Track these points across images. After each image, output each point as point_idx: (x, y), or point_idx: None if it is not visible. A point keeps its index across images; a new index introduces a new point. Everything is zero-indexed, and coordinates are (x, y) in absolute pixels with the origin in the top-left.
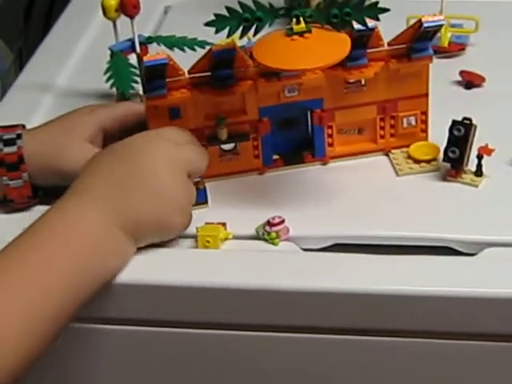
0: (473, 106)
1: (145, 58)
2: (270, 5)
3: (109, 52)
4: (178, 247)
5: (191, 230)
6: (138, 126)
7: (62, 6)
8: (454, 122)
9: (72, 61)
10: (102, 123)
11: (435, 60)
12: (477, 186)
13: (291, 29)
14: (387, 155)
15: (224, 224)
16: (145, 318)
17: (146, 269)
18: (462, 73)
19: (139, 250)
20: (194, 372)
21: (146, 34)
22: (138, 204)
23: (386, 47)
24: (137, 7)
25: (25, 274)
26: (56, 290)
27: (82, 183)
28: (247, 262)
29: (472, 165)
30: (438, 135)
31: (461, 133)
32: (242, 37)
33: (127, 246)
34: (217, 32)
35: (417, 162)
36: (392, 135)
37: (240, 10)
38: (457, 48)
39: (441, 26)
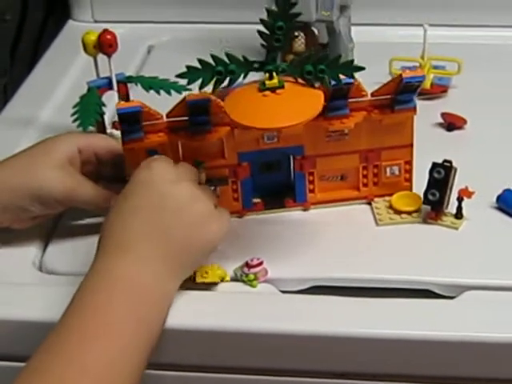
0: (454, 148)
1: (118, 106)
2: (244, 58)
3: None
4: None
5: None
6: (111, 158)
7: (48, 43)
8: (434, 165)
9: (55, 97)
10: (80, 145)
11: (417, 101)
12: (457, 229)
13: (264, 83)
14: (370, 204)
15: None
16: None
17: None
18: (443, 115)
19: None
20: None
21: (128, 73)
22: (174, 236)
23: (368, 97)
24: (113, 46)
25: (90, 347)
26: (122, 361)
27: (116, 240)
28: (224, 303)
29: (452, 207)
30: (419, 177)
31: (441, 175)
32: (214, 89)
33: (177, 284)
34: (189, 83)
35: (398, 212)
36: (375, 184)
37: (213, 63)
38: (439, 90)
39: (421, 81)
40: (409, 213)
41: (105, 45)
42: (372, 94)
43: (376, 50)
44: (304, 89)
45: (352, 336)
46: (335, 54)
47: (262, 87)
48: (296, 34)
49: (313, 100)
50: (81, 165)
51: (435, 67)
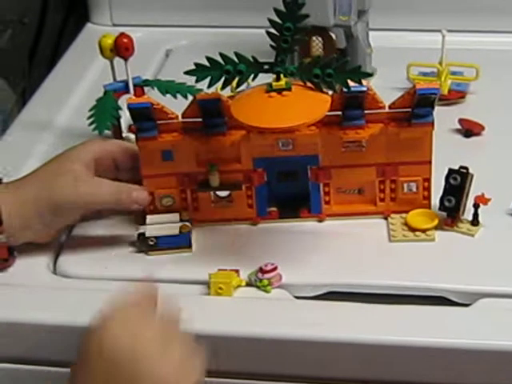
0: (471, 155)
1: (129, 100)
2: (254, 58)
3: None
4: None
5: (205, 276)
6: (129, 162)
7: (66, 46)
8: (451, 171)
9: (73, 100)
10: (96, 153)
11: (435, 107)
12: (473, 236)
13: (271, 85)
14: (386, 219)
15: (237, 271)
16: None
17: None
18: (461, 121)
19: None
20: None
21: (145, 77)
22: None
23: (385, 110)
24: (129, 49)
25: None
26: None
27: None
28: (238, 309)
29: (468, 214)
30: (435, 183)
31: (457, 181)
32: (223, 88)
33: None
34: (197, 81)
35: (413, 229)
36: (392, 199)
37: (222, 62)
38: (457, 96)
39: (435, 93)
40: (423, 231)
41: (121, 48)
42: (389, 107)
43: (394, 55)
44: (311, 92)
45: (366, 343)
46: (353, 58)
47: (269, 88)
48: (314, 38)
49: (319, 104)
50: (100, 173)
51: (453, 73)
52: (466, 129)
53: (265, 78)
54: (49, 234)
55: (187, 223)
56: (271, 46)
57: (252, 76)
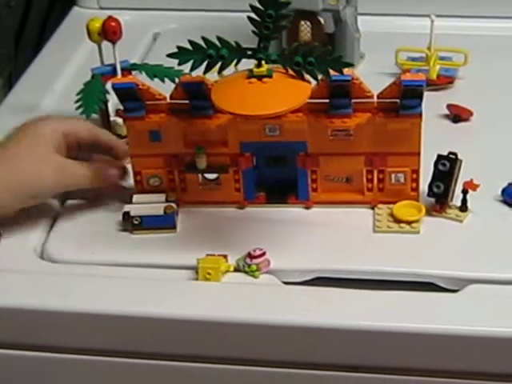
0: (460, 140)
1: (114, 80)
2: (237, 44)
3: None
4: (175, 279)
5: (192, 261)
6: (92, 144)
7: (53, 29)
8: (440, 157)
9: (59, 84)
10: (65, 130)
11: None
12: (461, 222)
13: (252, 71)
14: (373, 209)
15: (225, 256)
16: (132, 349)
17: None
18: (449, 106)
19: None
20: None
21: (133, 60)
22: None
23: (373, 99)
24: (117, 33)
25: None
26: None
27: None
28: (226, 294)
29: (457, 200)
30: (424, 169)
31: (446, 167)
32: (205, 72)
33: None
34: (179, 64)
35: (398, 221)
36: (380, 189)
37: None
38: (445, 81)
39: (421, 86)
40: (409, 222)
41: (109, 32)
42: (378, 96)
43: (382, 40)
44: (292, 80)
45: (353, 328)
46: (341, 43)
47: (250, 74)
48: (302, 22)
49: (298, 91)
50: (64, 151)
51: (442, 58)
52: (454, 114)
53: (249, 64)
54: (16, 211)
55: (172, 204)
56: (253, 32)
57: (235, 61)
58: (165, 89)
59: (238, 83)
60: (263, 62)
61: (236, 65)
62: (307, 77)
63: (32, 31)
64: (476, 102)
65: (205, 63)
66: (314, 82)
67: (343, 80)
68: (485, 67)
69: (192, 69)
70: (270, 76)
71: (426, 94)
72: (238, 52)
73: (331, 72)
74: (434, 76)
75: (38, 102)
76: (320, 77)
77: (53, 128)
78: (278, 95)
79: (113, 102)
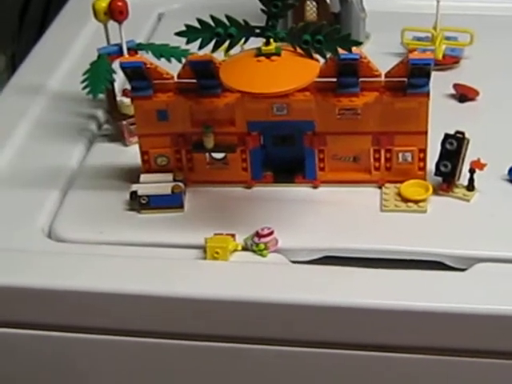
0: (466, 120)
1: (122, 59)
2: (246, 22)
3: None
4: (183, 258)
5: (200, 240)
6: None
7: (57, 10)
8: (447, 136)
9: (65, 64)
10: None
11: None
12: (468, 201)
13: (260, 49)
14: (380, 188)
15: (233, 235)
16: (140, 328)
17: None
18: (455, 86)
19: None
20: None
21: (139, 40)
22: None
23: (381, 78)
24: (124, 13)
25: None
26: None
27: None
28: (234, 273)
29: (464, 179)
30: (431, 149)
31: (453, 146)
32: (213, 51)
33: None
34: (188, 43)
35: (405, 200)
36: (387, 169)
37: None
38: (451, 61)
39: (428, 64)
40: (416, 201)
41: (115, 12)
42: (385, 75)
43: (388, 19)
44: (300, 58)
45: (361, 307)
46: (347, 23)
47: (258, 53)
48: (308, 2)
49: (307, 69)
50: None
51: (447, 38)
52: (460, 94)
53: (257, 43)
54: None
55: (180, 183)
56: (262, 10)
57: (243, 40)
58: (171, 69)
59: (246, 62)
60: (271, 40)
61: (244, 44)
62: (315, 56)
63: (36, 11)
64: (482, 82)
65: (213, 41)
66: (322, 61)
67: (351, 58)
68: (490, 47)
69: (200, 47)
70: (278, 54)
71: (432, 73)
72: (247, 30)
73: (339, 50)
74: (439, 56)
75: (44, 82)
76: (328, 55)
77: None
78: (287, 73)
79: (119, 81)
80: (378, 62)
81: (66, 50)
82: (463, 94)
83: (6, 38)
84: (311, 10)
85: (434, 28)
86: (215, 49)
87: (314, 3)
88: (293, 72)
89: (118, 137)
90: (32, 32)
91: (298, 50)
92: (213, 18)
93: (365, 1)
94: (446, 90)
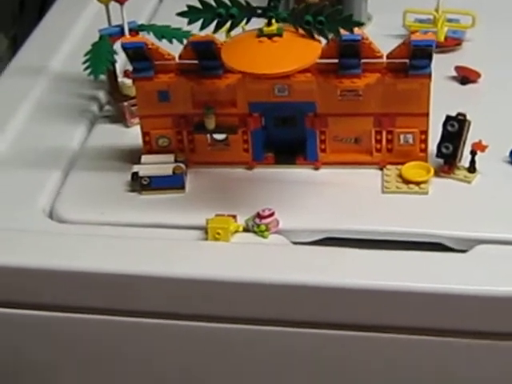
0: (467, 102)
1: (123, 40)
2: (247, 2)
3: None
4: (184, 239)
5: (201, 221)
6: None
7: None
8: (448, 118)
9: (66, 45)
10: None
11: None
12: (470, 183)
13: (262, 30)
14: (382, 169)
15: (234, 216)
16: (140, 309)
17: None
18: (457, 68)
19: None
20: (190, 365)
21: (140, 22)
22: None
23: (382, 60)
24: None
25: None
26: None
27: None
28: (236, 254)
29: (465, 161)
30: (433, 131)
31: (454, 128)
32: (215, 31)
33: None
34: (189, 23)
35: (407, 182)
36: (389, 150)
37: (214, 4)
38: (453, 43)
39: (430, 45)
40: (417, 183)
41: None
42: (387, 57)
43: (390, 1)
44: (302, 39)
45: (363, 288)
46: (349, 4)
47: (260, 33)
48: None
49: (308, 50)
50: None
51: (449, 20)
52: (462, 76)
53: (259, 24)
54: None
55: (181, 164)
56: None
57: (245, 20)
58: (172, 50)
59: (248, 42)
60: (273, 21)
61: (246, 24)
62: (317, 37)
63: None
64: (484, 64)
65: (214, 22)
66: (323, 42)
67: (353, 40)
68: (492, 29)
69: (202, 27)
70: (280, 35)
71: (433, 55)
72: (248, 11)
73: (341, 31)
74: (441, 38)
75: (46, 63)
76: (330, 36)
77: None
78: (289, 54)
79: (120, 62)
80: (380, 44)
81: (68, 31)
82: (465, 76)
83: (7, 20)
84: None
85: (436, 10)
86: (217, 29)
87: None
88: (294, 53)
89: (119, 118)
90: (33, 13)
91: (300, 30)
92: None
93: None
94: (448, 72)
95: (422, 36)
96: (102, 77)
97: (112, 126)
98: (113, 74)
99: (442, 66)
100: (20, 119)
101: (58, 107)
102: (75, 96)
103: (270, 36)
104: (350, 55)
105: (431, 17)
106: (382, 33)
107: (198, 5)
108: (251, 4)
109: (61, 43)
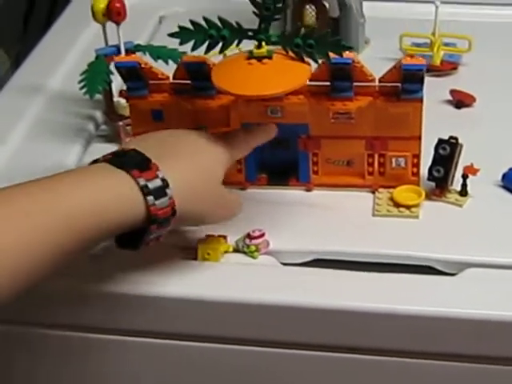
0: (462, 126)
1: (117, 59)
2: (238, 24)
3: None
4: (175, 258)
5: (192, 241)
6: None
7: (62, 11)
8: (440, 141)
9: (65, 64)
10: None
11: (426, 78)
12: (461, 206)
13: (252, 52)
14: (374, 192)
15: (225, 237)
16: (137, 328)
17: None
18: (452, 92)
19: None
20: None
21: (140, 42)
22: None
23: (374, 83)
24: (121, 14)
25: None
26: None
27: None
28: (225, 274)
29: (457, 184)
30: (425, 154)
31: (446, 151)
32: (206, 52)
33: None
34: (181, 44)
35: (397, 205)
36: (381, 173)
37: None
38: (449, 67)
39: (421, 70)
40: (408, 207)
41: (113, 13)
42: (379, 80)
43: (387, 25)
44: (292, 62)
45: (351, 310)
46: (346, 28)
47: (250, 55)
48: (307, 7)
49: (297, 73)
50: None
51: (446, 44)
52: (457, 100)
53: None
54: None
55: None
56: (254, 13)
57: (236, 42)
58: (168, 70)
59: (237, 64)
60: (263, 44)
61: (237, 45)
62: (307, 59)
63: (41, 12)
64: (479, 88)
65: (206, 43)
66: (314, 65)
67: (344, 63)
68: (488, 54)
69: (193, 49)
70: (269, 57)
71: (429, 79)
72: (239, 33)
73: (331, 55)
74: (437, 62)
75: (44, 82)
76: (321, 61)
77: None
78: (277, 77)
79: (116, 82)
80: (377, 67)
81: (67, 51)
82: (460, 100)
83: (11, 39)
84: (310, 15)
85: (433, 34)
86: (208, 50)
87: (313, 8)
88: (283, 75)
89: (114, 137)
90: (37, 33)
91: (290, 53)
92: (206, 19)
93: (364, 6)
94: (443, 96)
95: (412, 60)
96: (99, 96)
97: (107, 145)
98: (109, 94)
99: (437, 89)
100: (17, 137)
101: (54, 126)
102: (72, 115)
103: (259, 58)
104: (341, 78)
105: (428, 40)
106: (379, 56)
107: (190, 26)
108: (242, 26)
109: (60, 63)
